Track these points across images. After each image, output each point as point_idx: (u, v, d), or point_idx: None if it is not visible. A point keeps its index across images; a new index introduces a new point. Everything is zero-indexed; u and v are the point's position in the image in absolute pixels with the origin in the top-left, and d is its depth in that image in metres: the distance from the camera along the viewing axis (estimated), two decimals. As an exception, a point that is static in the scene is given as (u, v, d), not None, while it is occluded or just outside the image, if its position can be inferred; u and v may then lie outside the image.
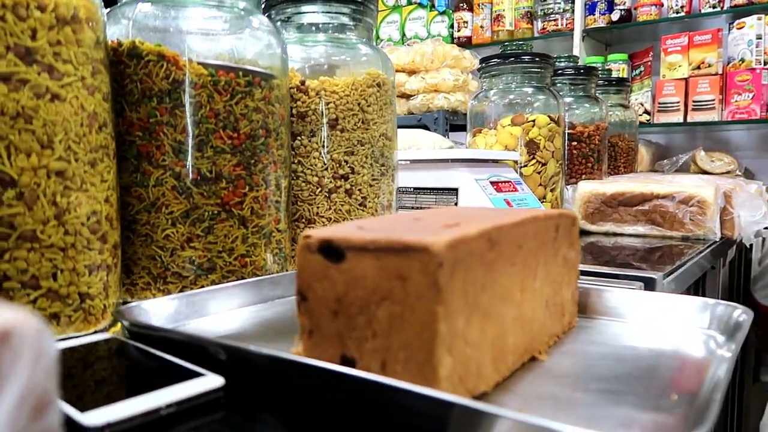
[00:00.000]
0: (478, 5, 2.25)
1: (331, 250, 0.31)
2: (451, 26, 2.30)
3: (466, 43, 2.27)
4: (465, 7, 2.28)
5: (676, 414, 0.29)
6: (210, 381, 0.32)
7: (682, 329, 0.43)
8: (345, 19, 0.70)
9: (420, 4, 2.31)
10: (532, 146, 1.09)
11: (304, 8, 0.69)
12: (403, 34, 2.37)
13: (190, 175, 0.50)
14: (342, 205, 0.68)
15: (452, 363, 0.29)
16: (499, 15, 2.20)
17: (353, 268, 0.31)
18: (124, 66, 0.50)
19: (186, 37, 0.51)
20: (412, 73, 1.79)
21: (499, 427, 0.24)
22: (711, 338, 0.41)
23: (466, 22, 2.27)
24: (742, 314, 0.40)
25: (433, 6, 2.32)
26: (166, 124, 0.50)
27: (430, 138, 1.19)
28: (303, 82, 0.66)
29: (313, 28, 0.70)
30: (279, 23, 0.69)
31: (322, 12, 0.69)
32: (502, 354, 0.35)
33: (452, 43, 2.30)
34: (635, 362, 0.37)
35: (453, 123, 1.73)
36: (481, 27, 2.25)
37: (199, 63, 0.50)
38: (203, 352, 0.35)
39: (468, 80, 1.78)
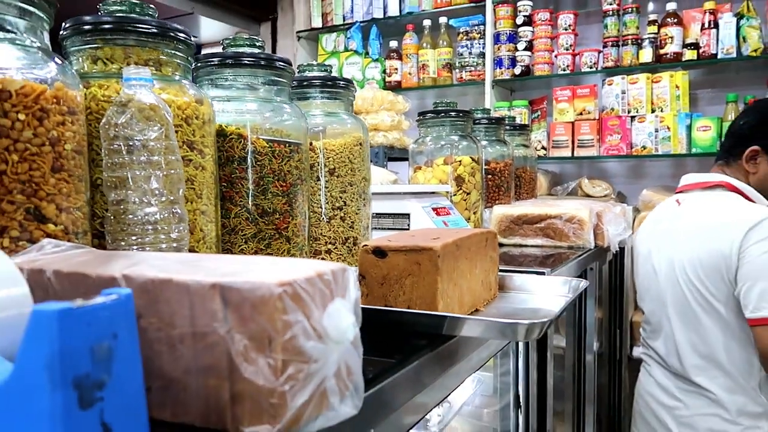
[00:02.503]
0: (407, 55, 2.64)
1: (379, 252, 0.62)
2: (384, 71, 2.67)
3: (396, 87, 2.64)
4: (395, 56, 2.65)
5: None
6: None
7: (554, 294, 0.77)
8: (334, 98, 1.01)
9: (356, 52, 2.65)
10: (459, 180, 1.44)
11: (309, 91, 0.99)
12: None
13: (257, 210, 0.78)
14: (338, 228, 0.97)
15: (443, 305, 0.60)
16: (424, 64, 2.60)
17: (391, 261, 0.61)
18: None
19: (251, 121, 0.79)
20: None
21: (468, 326, 0.56)
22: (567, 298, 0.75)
23: (397, 69, 2.64)
24: (583, 283, 0.75)
25: (367, 53, 2.68)
26: (242, 178, 0.78)
27: (380, 173, 1.51)
28: (311, 143, 0.96)
29: (313, 104, 1.00)
30: (294, 101, 0.98)
31: (320, 94, 1.00)
32: (462, 306, 0.66)
33: (384, 85, 2.66)
34: (530, 310, 0.70)
35: (390, 156, 2.07)
36: (409, 73, 2.63)
37: (262, 138, 0.79)
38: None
39: (402, 120, 2.13)
